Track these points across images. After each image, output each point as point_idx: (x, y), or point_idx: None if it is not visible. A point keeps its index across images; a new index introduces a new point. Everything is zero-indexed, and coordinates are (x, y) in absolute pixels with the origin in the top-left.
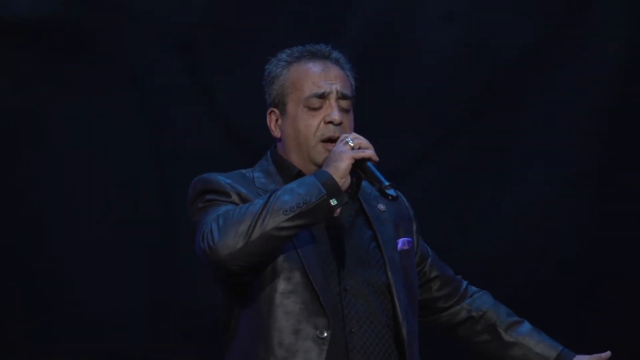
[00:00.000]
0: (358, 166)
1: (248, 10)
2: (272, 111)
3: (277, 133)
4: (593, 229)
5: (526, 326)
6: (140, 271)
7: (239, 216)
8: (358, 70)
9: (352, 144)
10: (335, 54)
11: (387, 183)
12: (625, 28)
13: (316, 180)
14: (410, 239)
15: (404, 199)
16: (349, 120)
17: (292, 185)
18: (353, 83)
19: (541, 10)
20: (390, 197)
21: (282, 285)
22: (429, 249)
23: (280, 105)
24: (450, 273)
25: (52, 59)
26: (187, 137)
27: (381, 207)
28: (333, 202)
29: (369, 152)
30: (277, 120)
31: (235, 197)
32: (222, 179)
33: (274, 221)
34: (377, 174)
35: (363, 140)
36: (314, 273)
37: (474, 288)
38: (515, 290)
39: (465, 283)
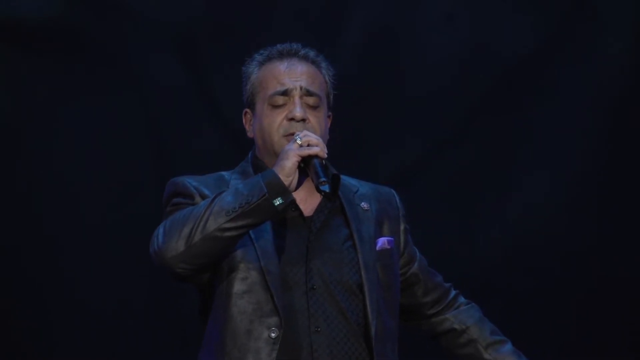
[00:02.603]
0: (305, 163)
1: (248, 10)
2: (246, 112)
3: (250, 133)
4: (597, 230)
5: (507, 347)
6: (140, 272)
7: (184, 218)
8: (358, 72)
9: (299, 142)
10: (305, 51)
11: (322, 179)
12: (627, 28)
13: (261, 180)
14: (392, 239)
15: (397, 198)
16: (316, 117)
17: (240, 185)
18: (328, 80)
19: (543, 10)
20: (323, 194)
21: (237, 286)
22: (418, 254)
23: (252, 105)
24: (437, 280)
25: (52, 59)
26: (187, 137)
27: (365, 205)
28: (278, 201)
29: (316, 149)
30: (250, 120)
31: (198, 200)
32: (189, 182)
33: (215, 222)
34: (319, 170)
35: (312, 137)
36: (271, 272)
37: (462, 299)
38: (518, 292)
39: (454, 293)
